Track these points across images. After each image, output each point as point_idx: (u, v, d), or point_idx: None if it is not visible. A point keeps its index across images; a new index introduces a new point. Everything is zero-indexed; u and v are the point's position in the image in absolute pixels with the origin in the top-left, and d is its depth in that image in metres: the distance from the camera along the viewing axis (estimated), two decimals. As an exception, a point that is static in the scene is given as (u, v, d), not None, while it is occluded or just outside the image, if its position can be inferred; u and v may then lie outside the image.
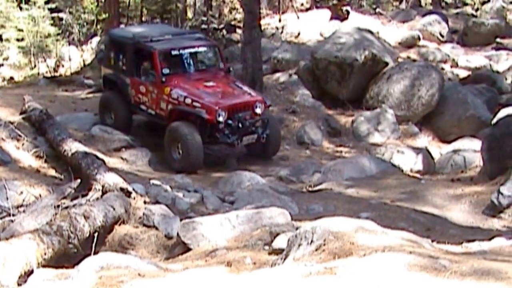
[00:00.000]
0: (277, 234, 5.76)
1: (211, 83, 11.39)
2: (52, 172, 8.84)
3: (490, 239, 6.10)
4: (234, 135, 10.81)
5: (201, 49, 12.19)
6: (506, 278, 3.12)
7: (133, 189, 7.70)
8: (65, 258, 5.47)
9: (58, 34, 22.34)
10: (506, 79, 16.04)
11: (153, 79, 11.34)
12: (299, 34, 22.46)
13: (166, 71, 11.23)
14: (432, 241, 5.23)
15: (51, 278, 4.21)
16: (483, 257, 3.86)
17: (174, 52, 11.58)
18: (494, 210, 8.05)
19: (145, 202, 7.59)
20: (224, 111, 10.66)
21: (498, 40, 21.06)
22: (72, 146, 8.94)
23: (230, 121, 10.74)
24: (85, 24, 25.87)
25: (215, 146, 11.50)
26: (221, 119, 10.63)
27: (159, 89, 11.22)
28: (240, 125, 10.83)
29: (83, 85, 19.37)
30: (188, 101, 10.88)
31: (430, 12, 23.78)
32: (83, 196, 7.25)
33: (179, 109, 11.03)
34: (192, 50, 11.92)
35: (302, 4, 25.73)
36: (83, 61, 23.07)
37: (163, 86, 11.13)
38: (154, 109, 11.51)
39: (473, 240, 6.04)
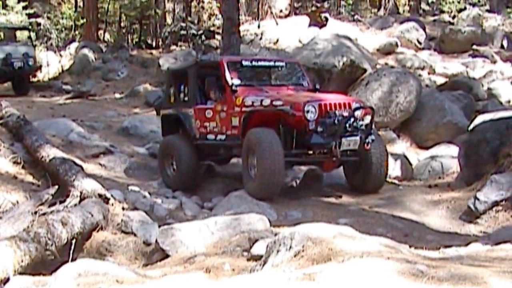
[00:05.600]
0: (256, 240, 5.77)
1: (293, 92, 9.63)
2: (29, 178, 8.77)
3: (467, 245, 6.15)
4: (331, 136, 8.57)
5: (278, 63, 10.43)
6: (482, 283, 3.15)
7: (111, 196, 7.67)
8: (43, 265, 5.43)
9: (36, 40, 22.19)
10: (482, 85, 16.21)
11: (221, 96, 9.69)
12: (277, 40, 22.56)
13: (236, 81, 9.45)
14: (410, 246, 5.27)
15: (28, 285, 4.18)
16: (460, 262, 3.89)
17: (245, 63, 9.95)
18: (471, 215, 8.12)
19: (123, 209, 7.57)
20: (314, 106, 8.54)
21: (474, 47, 21.30)
22: (49, 152, 8.88)
23: (323, 119, 8.58)
24: (63, 29, 25.83)
25: (304, 157, 9.04)
26: (311, 116, 8.51)
27: (229, 102, 9.33)
28: (336, 121, 8.60)
29: (61, 91, 19.37)
30: (266, 102, 8.89)
31: (408, 19, 24.03)
32: (60, 202, 7.19)
33: (256, 112, 9.03)
34: (267, 63, 10.28)
35: (281, 11, 25.84)
36: (61, 66, 23.02)
37: (235, 97, 9.26)
38: (224, 132, 9.53)
39: (450, 246, 6.08)
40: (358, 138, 8.68)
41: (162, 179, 10.24)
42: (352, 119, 8.65)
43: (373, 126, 9.16)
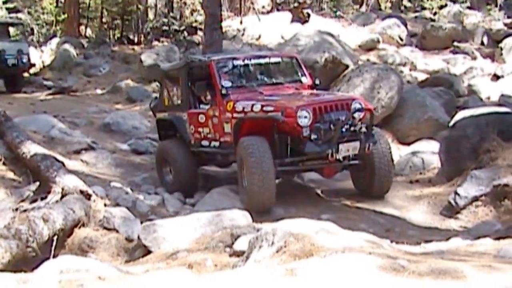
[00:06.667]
0: (238, 236, 5.79)
1: (289, 92, 9.00)
2: (10, 174, 8.72)
3: (447, 239, 6.22)
4: (327, 143, 7.89)
5: (274, 59, 9.66)
6: (462, 277, 3.19)
7: (93, 192, 7.64)
8: (24, 262, 5.40)
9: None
10: (463, 82, 16.33)
11: (213, 100, 9.10)
12: (260, 36, 22.56)
13: (227, 83, 8.88)
14: (391, 241, 5.32)
15: (9, 282, 4.16)
16: (441, 257, 3.93)
17: (236, 62, 9.28)
18: (451, 210, 8.21)
19: (105, 205, 7.54)
20: (308, 111, 7.91)
21: (455, 43, 21.46)
22: (31, 148, 8.83)
23: (318, 124, 7.95)
24: (44, 24, 25.65)
25: (300, 164, 8.45)
26: (304, 121, 7.89)
27: (220, 107, 8.81)
28: (332, 127, 7.94)
29: (42, 87, 19.25)
30: (257, 107, 8.33)
31: (390, 16, 24.14)
32: (42, 199, 7.17)
33: (246, 119, 8.49)
34: (261, 61, 9.51)
35: (263, 7, 25.86)
36: (42, 62, 22.84)
37: (225, 101, 8.71)
38: (218, 139, 9.05)
39: (431, 241, 6.15)
40: (357, 142, 8.04)
41: (161, 185, 9.79)
42: (350, 122, 8.01)
43: (373, 126, 8.48)
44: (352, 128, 8.00)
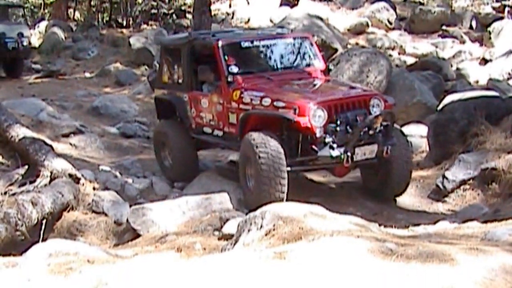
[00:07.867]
0: (227, 220, 5.82)
1: (301, 82, 8.14)
2: (-2, 158, 8.69)
3: (435, 223, 6.28)
4: (342, 146, 7.01)
5: (285, 41, 8.67)
6: (450, 260, 3.22)
7: (82, 175, 7.65)
8: (13, 245, 5.41)
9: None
10: (451, 66, 16.37)
11: (217, 85, 8.23)
12: (249, 19, 22.50)
13: (234, 69, 7.96)
14: (380, 225, 5.35)
15: (-2, 265, 4.16)
16: (428, 240, 3.96)
17: (244, 44, 8.30)
18: (439, 194, 8.25)
19: (94, 188, 7.55)
20: (322, 109, 7.02)
21: (444, 27, 21.46)
22: (19, 132, 8.78)
23: (333, 125, 7.07)
24: (32, 7, 25.41)
25: (311, 163, 7.48)
26: (318, 121, 7.01)
27: (226, 95, 7.98)
28: (349, 129, 7.10)
29: (30, 70, 19.12)
30: (267, 101, 7.44)
31: (378, 0, 24.06)
32: (31, 182, 7.16)
33: (254, 114, 7.68)
34: (271, 42, 8.55)
35: (252, -10, 25.69)
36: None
37: (231, 90, 7.88)
38: (221, 128, 8.23)
39: (419, 224, 6.20)
40: (375, 146, 7.21)
41: (160, 169, 9.27)
42: (369, 123, 7.10)
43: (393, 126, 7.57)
44: (370, 132, 7.15)
